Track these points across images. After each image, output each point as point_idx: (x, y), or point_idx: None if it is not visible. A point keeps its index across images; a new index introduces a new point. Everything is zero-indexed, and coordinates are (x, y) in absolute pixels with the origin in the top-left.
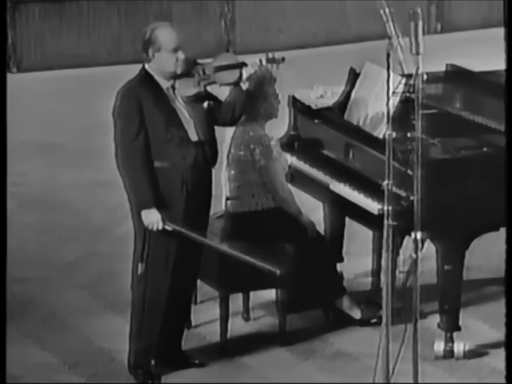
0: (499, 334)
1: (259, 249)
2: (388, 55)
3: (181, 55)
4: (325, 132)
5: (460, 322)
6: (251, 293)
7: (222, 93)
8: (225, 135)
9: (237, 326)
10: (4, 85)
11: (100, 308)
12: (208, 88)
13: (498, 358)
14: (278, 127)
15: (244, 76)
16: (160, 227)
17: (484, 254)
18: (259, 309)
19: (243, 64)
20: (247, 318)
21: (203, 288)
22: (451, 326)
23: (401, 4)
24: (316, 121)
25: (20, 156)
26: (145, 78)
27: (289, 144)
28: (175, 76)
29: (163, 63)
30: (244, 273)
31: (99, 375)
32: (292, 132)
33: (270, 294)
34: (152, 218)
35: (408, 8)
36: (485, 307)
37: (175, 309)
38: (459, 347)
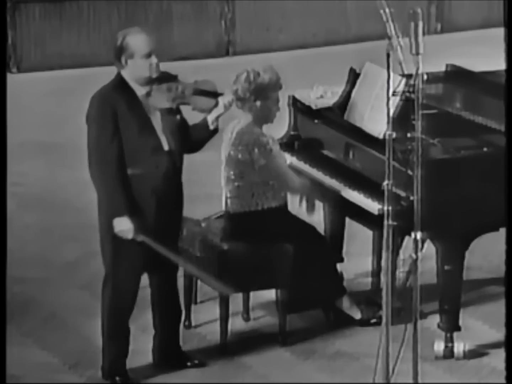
0: (499, 334)
1: (259, 249)
2: (388, 55)
3: (154, 59)
4: (325, 132)
5: (460, 322)
6: (251, 293)
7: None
8: (223, 135)
9: (237, 326)
10: (4, 85)
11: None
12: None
13: (498, 358)
14: (278, 127)
15: (213, 116)
16: (130, 237)
17: (484, 254)
18: (259, 309)
19: (220, 95)
20: (247, 318)
21: (203, 288)
22: (451, 326)
23: (401, 4)
24: (316, 121)
25: (20, 156)
26: (120, 84)
27: (289, 144)
28: (150, 81)
29: (137, 70)
30: (244, 273)
31: (99, 375)
32: (292, 132)
33: (270, 294)
34: (124, 226)
35: (408, 8)
36: (485, 307)
37: (166, 309)
38: (459, 347)
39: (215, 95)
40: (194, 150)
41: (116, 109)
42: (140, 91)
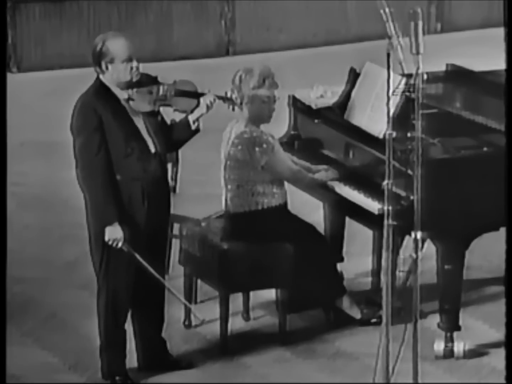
0: (499, 334)
1: (259, 248)
2: (388, 55)
3: (135, 63)
4: (325, 132)
5: (460, 322)
6: (251, 293)
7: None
8: (222, 135)
9: (237, 326)
10: (4, 85)
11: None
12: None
13: (498, 358)
14: (278, 127)
15: (195, 116)
16: (119, 246)
17: (484, 254)
18: (259, 309)
19: (202, 95)
20: (247, 318)
21: (203, 288)
22: (451, 326)
23: (401, 4)
24: (316, 121)
25: (20, 156)
26: (101, 90)
27: (289, 144)
28: (131, 85)
29: (118, 74)
30: (244, 273)
31: (99, 375)
32: (292, 132)
33: (270, 294)
34: (115, 235)
35: (408, 8)
36: (485, 307)
37: (147, 313)
38: (459, 347)
39: (196, 95)
40: (173, 150)
41: (101, 117)
42: (122, 95)
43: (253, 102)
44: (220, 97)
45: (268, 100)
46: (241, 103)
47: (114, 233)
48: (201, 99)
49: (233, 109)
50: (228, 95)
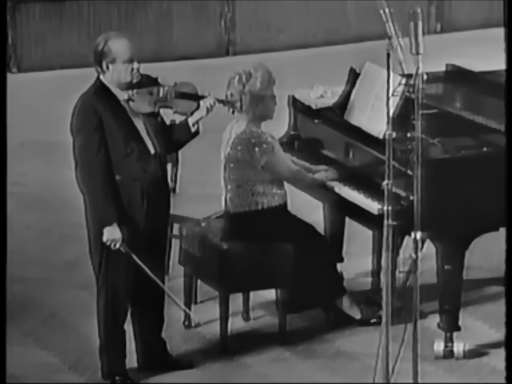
0: (499, 334)
1: (259, 248)
2: (388, 55)
3: (136, 65)
4: (325, 132)
5: (460, 322)
6: (251, 293)
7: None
8: (222, 136)
9: (237, 326)
10: (4, 85)
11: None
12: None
13: (498, 358)
14: (278, 127)
15: (195, 119)
16: (117, 247)
17: (484, 254)
18: (259, 309)
19: (202, 98)
20: (247, 318)
21: (203, 288)
22: (451, 326)
23: (401, 4)
24: (316, 121)
25: (20, 156)
26: (101, 90)
27: (289, 144)
28: (131, 86)
29: (119, 75)
30: (244, 273)
31: (99, 375)
32: (292, 132)
33: (270, 294)
34: (113, 235)
35: (408, 8)
36: (485, 307)
37: (147, 313)
38: (459, 347)
39: (196, 97)
40: (172, 151)
41: (101, 117)
42: (122, 95)
43: (262, 102)
44: (220, 101)
45: (273, 97)
46: (241, 106)
47: (112, 234)
48: (201, 102)
49: (233, 113)
50: (228, 98)
